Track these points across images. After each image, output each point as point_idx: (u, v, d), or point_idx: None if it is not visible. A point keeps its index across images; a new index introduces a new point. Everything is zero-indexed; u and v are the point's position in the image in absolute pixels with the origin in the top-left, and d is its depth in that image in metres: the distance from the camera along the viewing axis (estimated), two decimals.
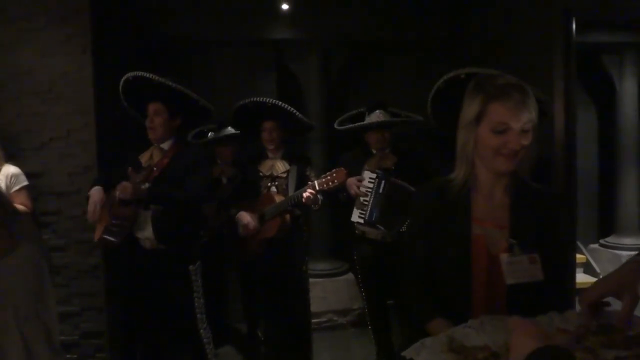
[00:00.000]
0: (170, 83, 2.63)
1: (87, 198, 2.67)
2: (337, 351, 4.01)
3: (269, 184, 3.21)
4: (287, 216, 3.09)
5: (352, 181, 3.10)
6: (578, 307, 1.19)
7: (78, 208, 3.43)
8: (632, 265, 1.12)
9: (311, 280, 4.41)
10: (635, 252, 1.21)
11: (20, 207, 3.13)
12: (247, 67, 4.73)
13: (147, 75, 2.61)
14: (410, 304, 1.49)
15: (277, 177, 3.20)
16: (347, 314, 4.52)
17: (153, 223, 2.62)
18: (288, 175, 3.19)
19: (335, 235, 4.74)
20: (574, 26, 3.15)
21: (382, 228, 3.08)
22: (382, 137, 3.25)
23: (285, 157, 3.25)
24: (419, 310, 1.43)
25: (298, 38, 4.53)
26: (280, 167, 3.21)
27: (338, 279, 4.62)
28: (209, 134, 3.89)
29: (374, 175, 3.08)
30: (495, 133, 1.30)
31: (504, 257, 1.32)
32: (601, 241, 5.56)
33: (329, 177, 2.90)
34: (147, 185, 2.58)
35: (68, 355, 3.48)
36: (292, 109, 3.12)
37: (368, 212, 3.04)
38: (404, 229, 2.86)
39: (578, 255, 4.53)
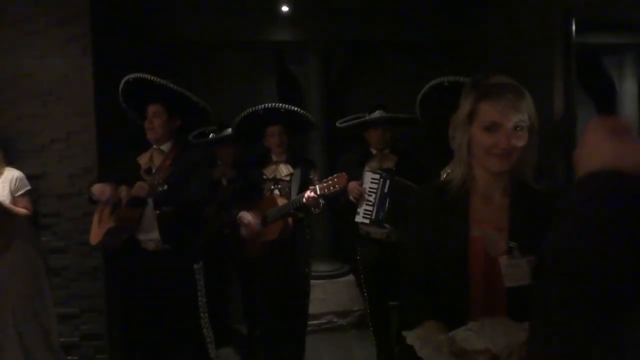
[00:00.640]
0: (171, 85, 2.64)
1: (89, 197, 2.66)
2: (337, 353, 4.00)
3: (272, 186, 3.21)
4: (290, 219, 3.09)
5: (353, 185, 3.12)
6: None
7: (78, 210, 3.43)
8: None
9: (312, 281, 4.43)
10: None
11: (22, 210, 3.15)
12: (247, 68, 4.74)
13: (148, 76, 2.62)
14: (405, 305, 1.48)
15: (281, 180, 3.20)
16: (347, 315, 4.51)
17: (160, 224, 2.62)
18: (291, 178, 3.19)
19: (336, 237, 4.74)
20: (574, 27, 3.15)
21: (388, 227, 3.12)
22: (383, 135, 3.30)
23: (289, 161, 3.25)
24: (412, 311, 1.41)
25: (298, 40, 4.54)
26: (284, 170, 3.22)
27: (338, 280, 4.61)
28: (210, 135, 3.89)
29: (377, 176, 3.12)
30: (486, 132, 1.29)
31: (503, 260, 1.30)
32: None
33: (330, 182, 2.90)
34: (165, 186, 2.56)
35: (69, 357, 3.48)
36: (305, 113, 3.15)
37: (374, 212, 3.09)
38: None
39: None
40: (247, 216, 3.09)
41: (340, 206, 3.30)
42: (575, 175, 0.86)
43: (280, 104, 3.11)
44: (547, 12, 3.25)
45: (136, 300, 2.76)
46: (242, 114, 3.18)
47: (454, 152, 1.42)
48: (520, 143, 1.28)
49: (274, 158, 3.26)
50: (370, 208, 3.12)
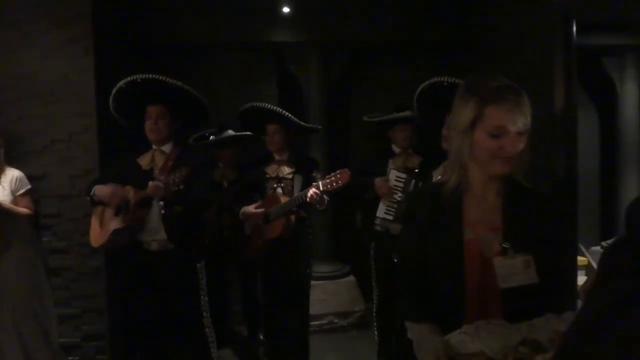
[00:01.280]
0: (185, 86, 2.64)
1: (91, 199, 2.66)
2: (337, 353, 4.00)
3: (275, 185, 3.22)
4: (292, 217, 3.10)
5: (381, 182, 3.26)
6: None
7: (79, 210, 3.44)
8: None
9: (312, 282, 4.42)
10: None
11: (24, 210, 3.15)
12: (248, 70, 4.74)
13: (160, 77, 2.59)
14: (403, 307, 1.48)
15: (283, 178, 3.22)
16: (348, 316, 4.51)
17: (166, 224, 2.62)
18: (294, 176, 3.20)
19: (336, 237, 4.74)
20: (574, 29, 3.15)
21: None
22: (409, 134, 3.40)
23: (292, 160, 3.26)
24: (410, 313, 1.41)
25: (299, 41, 4.54)
26: (286, 168, 3.23)
27: (339, 281, 4.61)
28: (210, 137, 3.89)
29: (403, 176, 3.25)
30: (492, 137, 1.28)
31: (497, 260, 1.30)
32: (603, 244, 5.54)
33: (333, 178, 2.91)
34: (181, 186, 2.55)
35: (69, 358, 3.49)
36: (288, 114, 3.15)
37: (399, 209, 3.21)
38: None
39: (580, 258, 4.51)
40: (250, 208, 3.10)
41: (363, 200, 3.43)
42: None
43: (266, 105, 3.16)
44: (548, 13, 3.25)
45: (138, 300, 2.76)
46: (238, 112, 3.29)
47: (449, 153, 1.41)
48: (522, 146, 1.29)
49: (276, 157, 3.28)
50: (395, 205, 3.24)
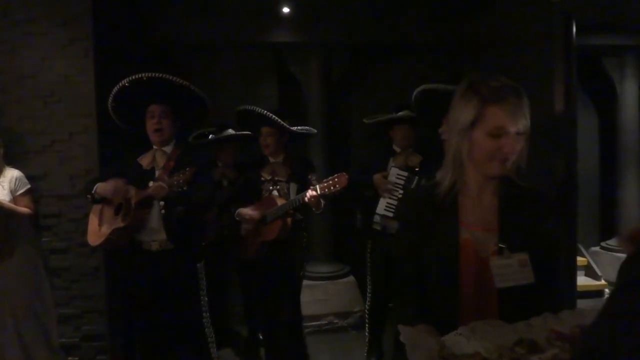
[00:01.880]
0: (191, 86, 2.64)
1: (92, 197, 2.65)
2: (337, 354, 4.00)
3: (271, 187, 3.22)
4: (289, 219, 3.10)
5: (380, 179, 3.28)
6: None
7: (79, 211, 3.44)
8: None
9: (312, 282, 4.44)
10: None
11: (24, 209, 3.15)
12: (248, 70, 4.75)
13: (166, 76, 2.57)
14: (400, 308, 1.48)
15: (279, 180, 3.22)
16: (347, 316, 4.51)
17: (166, 224, 2.62)
18: (289, 179, 3.21)
19: (336, 237, 4.74)
20: (574, 29, 3.16)
21: None
22: (408, 134, 3.43)
23: (287, 162, 3.26)
24: (406, 314, 1.40)
25: (299, 41, 4.55)
26: (282, 171, 3.23)
27: (339, 281, 4.62)
28: (210, 136, 3.90)
29: (404, 173, 3.26)
30: (491, 137, 1.27)
31: (493, 260, 1.29)
32: (602, 244, 5.55)
33: (330, 182, 2.90)
34: (185, 187, 2.54)
35: (69, 358, 3.49)
36: (277, 118, 3.12)
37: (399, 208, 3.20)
38: None
39: (579, 258, 4.52)
40: (247, 210, 3.11)
41: (363, 198, 3.43)
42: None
43: (256, 108, 3.12)
44: (548, 15, 3.25)
45: (138, 300, 2.76)
46: (236, 109, 3.29)
47: (446, 153, 1.40)
48: (520, 146, 1.28)
49: (271, 159, 3.27)
50: (395, 202, 3.23)
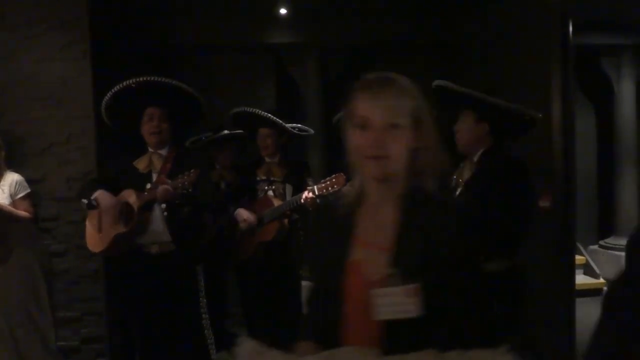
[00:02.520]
0: (188, 88, 2.64)
1: (89, 202, 2.64)
2: None
3: (266, 187, 3.23)
4: (286, 220, 3.11)
5: None
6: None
7: (77, 213, 3.43)
8: None
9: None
10: None
11: (23, 213, 3.15)
12: (246, 71, 4.75)
13: (162, 79, 2.57)
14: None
15: (274, 181, 3.22)
16: None
17: (171, 226, 2.62)
18: (285, 179, 3.21)
19: None
20: (571, 28, 3.16)
21: None
22: None
23: (282, 162, 3.27)
24: (299, 329, 1.29)
25: (296, 42, 4.55)
26: (277, 171, 3.23)
27: None
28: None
29: None
30: (359, 130, 1.14)
31: (375, 290, 1.10)
32: (601, 242, 5.56)
33: (328, 183, 2.90)
34: (190, 189, 2.54)
35: None
36: (275, 119, 3.12)
37: None
38: None
39: (578, 257, 4.53)
40: (244, 212, 3.11)
41: None
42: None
43: (253, 109, 3.13)
44: (545, 13, 3.26)
45: (138, 303, 2.75)
46: (233, 111, 3.28)
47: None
48: (396, 144, 1.12)
49: (267, 159, 3.28)
50: None
